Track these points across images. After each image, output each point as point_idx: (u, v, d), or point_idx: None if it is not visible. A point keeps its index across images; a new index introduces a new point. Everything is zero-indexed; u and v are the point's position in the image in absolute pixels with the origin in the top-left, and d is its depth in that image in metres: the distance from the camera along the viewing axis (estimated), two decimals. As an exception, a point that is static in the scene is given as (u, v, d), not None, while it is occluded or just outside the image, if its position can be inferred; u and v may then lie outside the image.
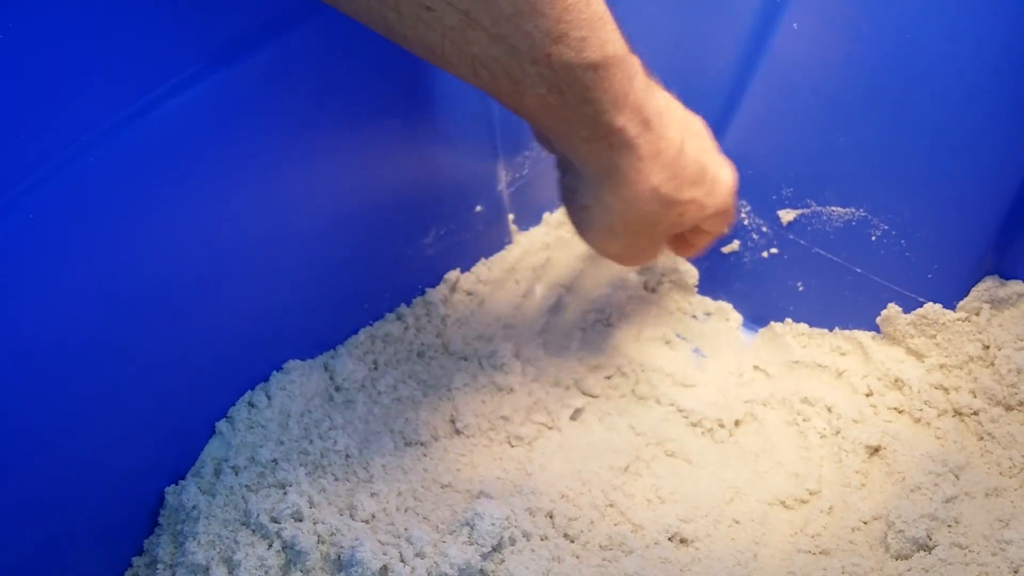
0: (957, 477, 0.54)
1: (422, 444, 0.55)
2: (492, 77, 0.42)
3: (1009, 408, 0.56)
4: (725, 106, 0.66)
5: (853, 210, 0.63)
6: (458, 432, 0.56)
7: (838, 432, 0.58)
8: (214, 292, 0.49)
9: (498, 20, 0.39)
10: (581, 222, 0.52)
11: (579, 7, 0.40)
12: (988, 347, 0.59)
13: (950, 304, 0.61)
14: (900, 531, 0.50)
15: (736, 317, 0.68)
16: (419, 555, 0.45)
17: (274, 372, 0.54)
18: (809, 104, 0.63)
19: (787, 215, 0.65)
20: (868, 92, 0.60)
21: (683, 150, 0.50)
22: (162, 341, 0.47)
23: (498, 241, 0.68)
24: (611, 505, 0.53)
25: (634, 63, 0.45)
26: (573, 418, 0.59)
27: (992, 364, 0.58)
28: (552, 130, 0.46)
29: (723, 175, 0.55)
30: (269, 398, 0.53)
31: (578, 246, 0.68)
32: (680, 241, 0.59)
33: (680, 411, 0.60)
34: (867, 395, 0.60)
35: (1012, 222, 0.59)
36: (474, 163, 0.63)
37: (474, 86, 0.43)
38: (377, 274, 0.60)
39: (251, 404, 0.52)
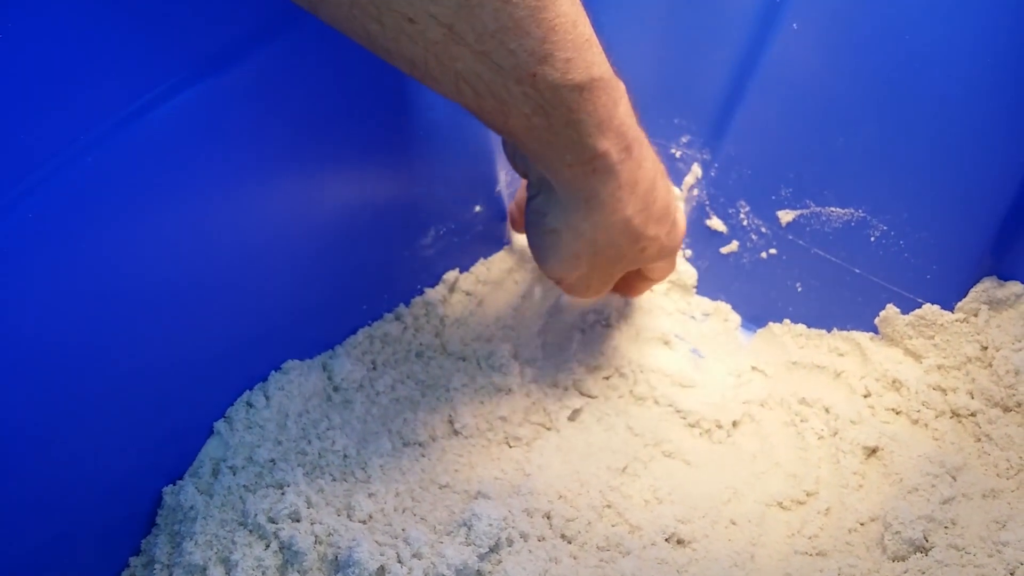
0: (954, 478, 0.54)
1: (420, 444, 0.55)
2: (476, 95, 0.42)
3: (1007, 409, 0.56)
4: (725, 106, 0.66)
5: (852, 211, 0.63)
6: (456, 433, 0.56)
7: (836, 433, 0.58)
8: (212, 292, 0.49)
9: (482, 36, 0.39)
10: (546, 247, 0.51)
11: (565, 28, 0.40)
12: (986, 348, 0.59)
13: (948, 305, 0.61)
14: (897, 532, 0.50)
15: (735, 318, 0.68)
16: (416, 556, 0.45)
17: (272, 372, 0.54)
18: (808, 104, 0.63)
19: (786, 216, 0.65)
20: (868, 93, 0.60)
21: (655, 185, 0.51)
22: (160, 341, 0.47)
23: (497, 241, 0.68)
24: (609, 506, 0.53)
25: (619, 88, 0.45)
26: (571, 419, 0.59)
27: (990, 365, 0.58)
28: (536, 152, 0.46)
29: (680, 220, 0.56)
30: (267, 398, 0.53)
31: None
32: (624, 284, 0.60)
33: (678, 412, 0.60)
34: (865, 396, 0.60)
35: (1010, 223, 0.59)
36: (473, 163, 0.63)
37: (458, 104, 0.43)
38: (375, 274, 0.60)
39: (249, 404, 0.52)
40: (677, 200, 0.62)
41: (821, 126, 0.63)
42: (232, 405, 0.52)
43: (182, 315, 0.47)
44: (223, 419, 0.52)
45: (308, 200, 0.53)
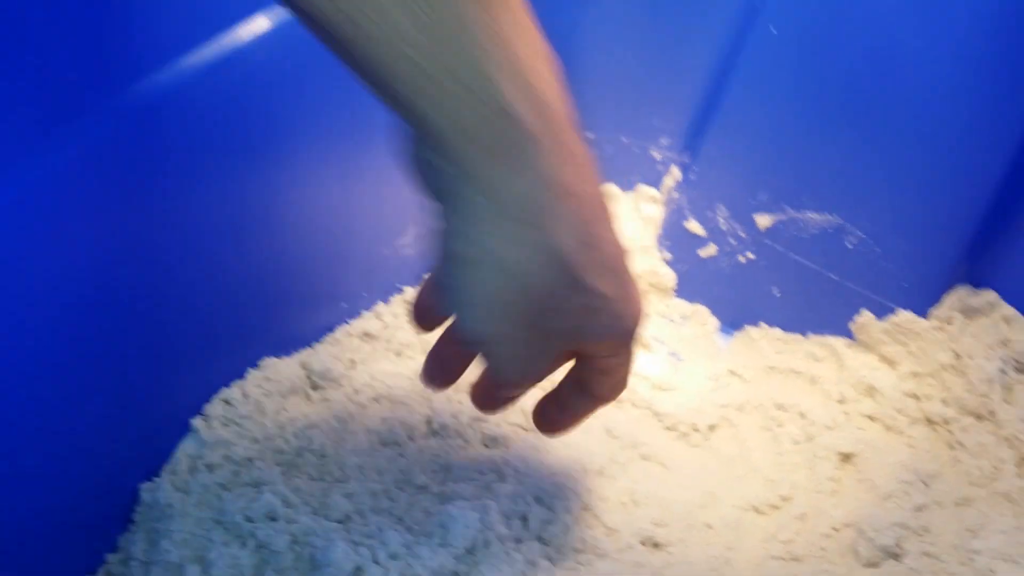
0: (928, 485, 0.54)
1: (398, 444, 0.54)
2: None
3: (980, 418, 0.57)
4: (704, 109, 0.67)
5: (829, 216, 0.64)
6: (434, 433, 0.56)
7: (811, 439, 0.58)
8: (189, 290, 0.48)
9: None
10: (457, 285, 0.36)
11: None
12: (960, 356, 0.59)
13: (923, 312, 0.62)
14: (870, 539, 0.51)
15: (713, 321, 0.68)
16: (392, 556, 0.45)
17: (250, 369, 0.54)
18: (787, 109, 0.63)
19: (764, 220, 0.66)
20: (845, 99, 0.61)
21: (601, 217, 0.37)
22: (136, 338, 0.46)
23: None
24: (585, 508, 0.53)
25: (531, 25, 0.34)
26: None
27: (964, 373, 0.59)
28: (433, 126, 0.33)
29: (639, 292, 0.41)
30: (245, 395, 0.52)
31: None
32: (558, 404, 0.47)
33: (656, 415, 0.60)
34: (840, 402, 0.61)
35: (985, 231, 0.60)
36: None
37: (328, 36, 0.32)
38: (355, 272, 0.59)
39: (227, 402, 0.52)
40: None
41: (799, 131, 0.63)
42: (209, 402, 0.52)
43: (158, 311, 0.47)
44: (200, 416, 0.51)
45: (287, 197, 0.53)
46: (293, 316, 0.56)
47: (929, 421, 0.59)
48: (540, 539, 0.50)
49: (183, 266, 0.48)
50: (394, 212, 0.60)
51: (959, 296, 0.61)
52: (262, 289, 0.53)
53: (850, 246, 0.63)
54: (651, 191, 0.71)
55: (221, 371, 0.53)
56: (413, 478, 0.52)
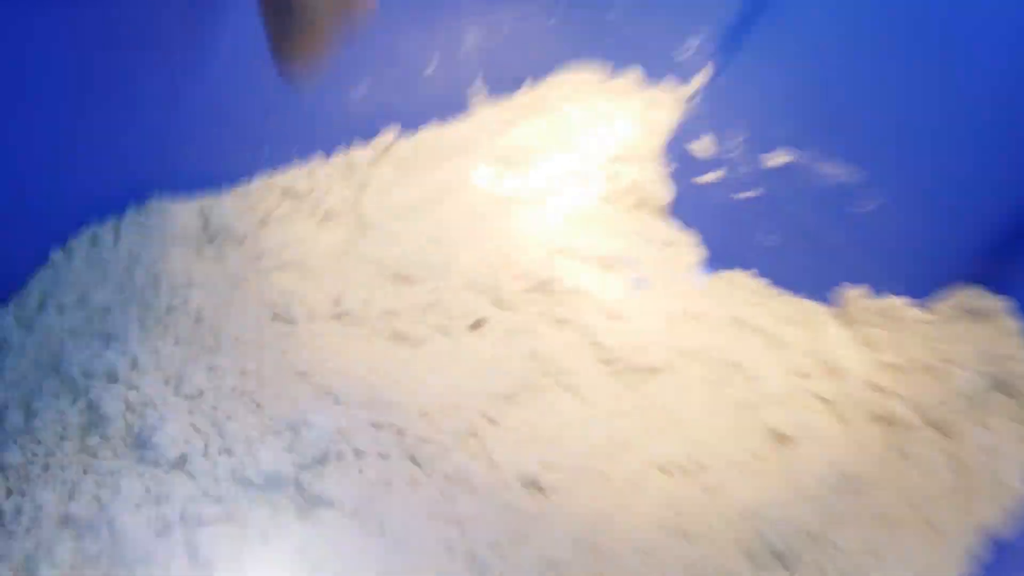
0: (855, 493, 0.49)
1: (291, 322, 0.49)
2: None
3: (941, 433, 0.51)
4: (747, 16, 0.60)
5: (853, 169, 0.57)
6: (337, 316, 0.51)
7: (753, 407, 0.53)
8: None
9: None
10: None
11: None
12: (945, 360, 0.54)
13: (924, 303, 0.57)
14: (765, 538, 0.46)
15: (695, 254, 0.61)
16: (226, 451, 0.41)
17: (133, 206, 0.49)
18: (839, 35, 0.56)
19: (779, 156, 0.59)
20: (912, 42, 0.54)
21: None
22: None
23: (457, 105, 0.61)
24: (474, 435, 0.48)
25: None
26: (473, 327, 0.53)
27: (942, 380, 0.53)
28: None
29: None
30: (119, 235, 0.47)
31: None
32: None
33: (595, 344, 0.54)
34: (799, 376, 0.55)
35: (1014, 235, 0.54)
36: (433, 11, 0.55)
37: None
38: (292, 114, 0.52)
39: (95, 237, 0.47)
40: None
41: (847, 62, 0.56)
42: (76, 236, 0.47)
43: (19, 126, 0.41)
44: (61, 250, 0.47)
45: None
46: (199, 150, 0.50)
47: (887, 421, 0.53)
48: (412, 458, 0.46)
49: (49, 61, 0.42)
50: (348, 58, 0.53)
51: (968, 295, 0.56)
52: (160, 110, 0.47)
53: (866, 209, 0.57)
54: (674, 88, 0.65)
55: (94, 202, 0.48)
56: (295, 363, 0.47)
